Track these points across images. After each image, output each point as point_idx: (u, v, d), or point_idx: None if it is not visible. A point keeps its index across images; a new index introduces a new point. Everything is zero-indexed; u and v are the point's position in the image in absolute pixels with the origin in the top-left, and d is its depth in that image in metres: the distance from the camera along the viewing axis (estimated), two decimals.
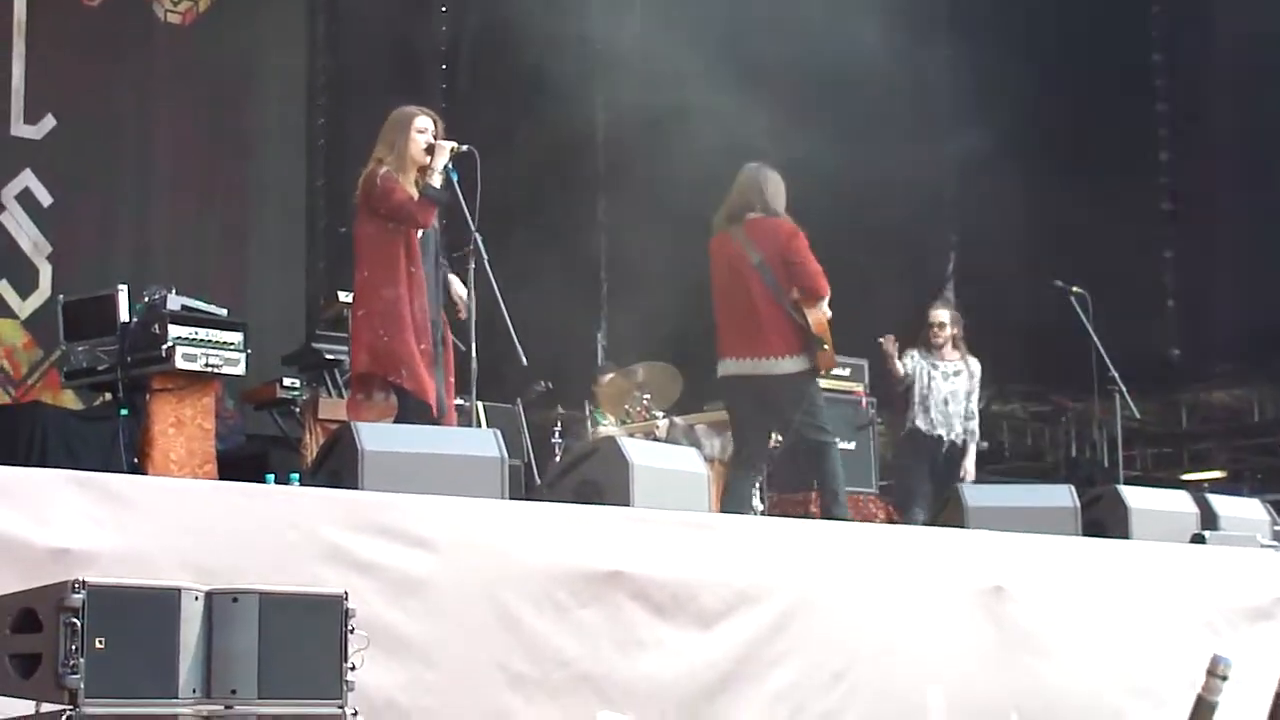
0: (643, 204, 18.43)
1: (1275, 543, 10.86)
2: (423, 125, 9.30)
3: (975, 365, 13.31)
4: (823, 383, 13.64)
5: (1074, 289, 12.76)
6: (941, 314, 13.41)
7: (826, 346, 10.43)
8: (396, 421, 8.91)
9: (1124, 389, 12.68)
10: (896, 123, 17.24)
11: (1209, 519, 10.53)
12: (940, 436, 13.03)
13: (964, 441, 13.09)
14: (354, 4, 19.20)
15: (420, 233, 9.19)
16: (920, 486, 12.89)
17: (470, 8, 19.78)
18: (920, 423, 13.09)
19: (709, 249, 10.82)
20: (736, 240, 10.61)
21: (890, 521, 13.66)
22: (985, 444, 13.51)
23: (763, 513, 12.68)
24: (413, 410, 8.94)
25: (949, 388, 13.13)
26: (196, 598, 4.91)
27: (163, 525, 5.99)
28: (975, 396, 13.21)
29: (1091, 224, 15.48)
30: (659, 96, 17.30)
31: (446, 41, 19.82)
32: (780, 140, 17.71)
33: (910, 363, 13.21)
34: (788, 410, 10.41)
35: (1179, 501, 10.65)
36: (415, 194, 9.13)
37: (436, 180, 9.14)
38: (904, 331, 15.29)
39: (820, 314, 10.46)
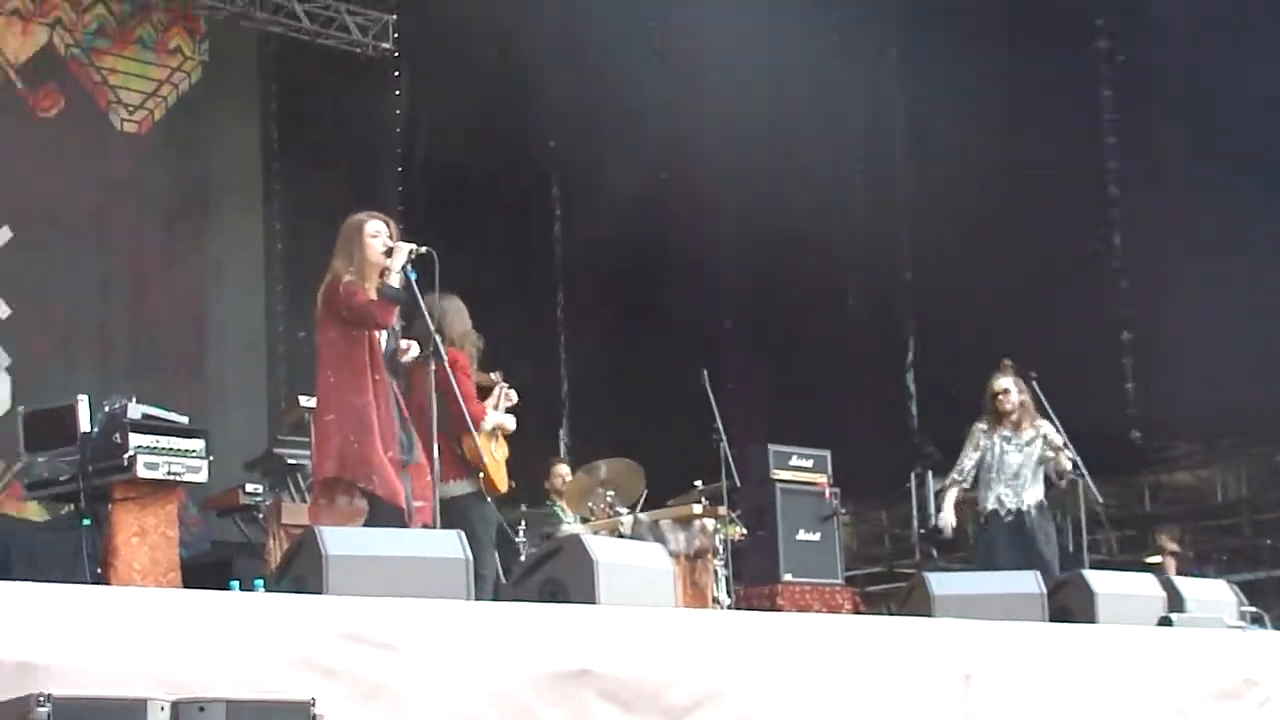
0: (601, 300, 18.54)
1: (1242, 623, 10.89)
2: (374, 229, 9.21)
3: (1046, 429, 12.85)
4: (785, 474, 13.74)
5: (1032, 374, 12.81)
6: (1003, 381, 12.94)
7: (482, 474, 10.29)
8: (367, 526, 8.88)
9: (1086, 473, 12.70)
10: (851, 214, 17.33)
11: (1175, 602, 10.54)
12: (1013, 510, 12.75)
13: (1027, 509, 12.74)
14: (308, 108, 19.31)
15: (383, 341, 9.16)
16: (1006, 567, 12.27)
17: (425, 110, 19.90)
18: (990, 504, 12.84)
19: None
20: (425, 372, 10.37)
21: (857, 612, 13.64)
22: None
23: (730, 607, 12.66)
24: (385, 515, 8.90)
25: (1019, 459, 12.83)
26: (163, 708, 4.89)
27: (127, 636, 5.97)
28: (1051, 461, 12.78)
29: (1048, 307, 15.55)
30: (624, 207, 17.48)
31: (402, 144, 19.95)
32: (720, 244, 17.89)
33: (981, 439, 12.95)
34: (466, 528, 10.20)
35: (1145, 585, 10.67)
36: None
37: (395, 280, 9.12)
38: (873, 418, 15.39)
39: (473, 442, 10.24)
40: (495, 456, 10.62)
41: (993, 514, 12.86)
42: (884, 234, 17.07)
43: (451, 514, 10.10)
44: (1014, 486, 12.81)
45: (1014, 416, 12.91)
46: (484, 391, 10.93)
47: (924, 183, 16.83)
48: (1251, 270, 14.63)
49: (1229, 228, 14.92)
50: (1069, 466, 12.79)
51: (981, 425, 13.05)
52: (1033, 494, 12.85)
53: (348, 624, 6.54)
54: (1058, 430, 12.82)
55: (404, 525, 8.90)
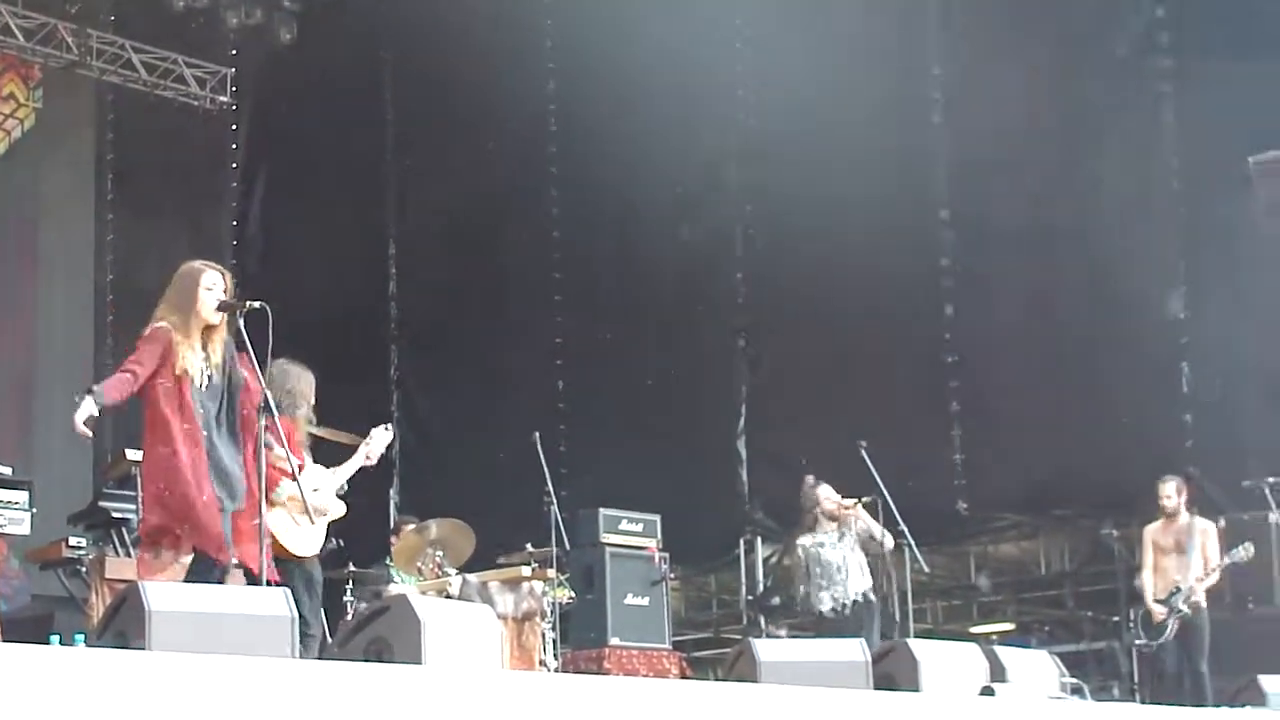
0: (439, 361, 18.49)
1: (1062, 694, 11.02)
2: (211, 282, 8.89)
3: (856, 523, 13.24)
4: (614, 538, 13.78)
5: (861, 443, 12.91)
6: (824, 489, 13.31)
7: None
8: (186, 578, 8.75)
9: (913, 542, 12.81)
10: (685, 280, 17.40)
11: (997, 671, 10.64)
12: (844, 605, 13.01)
13: (864, 598, 13.09)
14: (144, 159, 19.17)
15: (201, 386, 8.90)
16: None
17: (262, 163, 19.83)
18: (826, 605, 13.08)
19: None
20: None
21: (684, 677, 13.66)
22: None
23: (556, 670, 12.63)
24: (201, 564, 8.75)
25: (837, 556, 13.11)
26: None
27: None
28: (861, 555, 13.18)
29: (878, 376, 15.70)
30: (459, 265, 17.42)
31: (238, 197, 19.86)
32: (554, 305, 17.92)
33: (802, 550, 13.25)
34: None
35: (968, 655, 10.76)
36: (199, 354, 8.85)
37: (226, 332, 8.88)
38: (703, 484, 15.48)
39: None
40: (296, 520, 10.33)
41: (821, 616, 13.14)
42: (718, 299, 17.16)
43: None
44: (841, 583, 13.02)
45: (826, 522, 13.25)
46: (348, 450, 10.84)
47: (760, 245, 16.93)
48: (1082, 346, 14.86)
49: (1058, 299, 15.16)
50: (890, 545, 13.11)
51: (798, 538, 13.40)
52: (855, 589, 13.11)
53: (169, 681, 6.46)
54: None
55: (220, 570, 8.75)
